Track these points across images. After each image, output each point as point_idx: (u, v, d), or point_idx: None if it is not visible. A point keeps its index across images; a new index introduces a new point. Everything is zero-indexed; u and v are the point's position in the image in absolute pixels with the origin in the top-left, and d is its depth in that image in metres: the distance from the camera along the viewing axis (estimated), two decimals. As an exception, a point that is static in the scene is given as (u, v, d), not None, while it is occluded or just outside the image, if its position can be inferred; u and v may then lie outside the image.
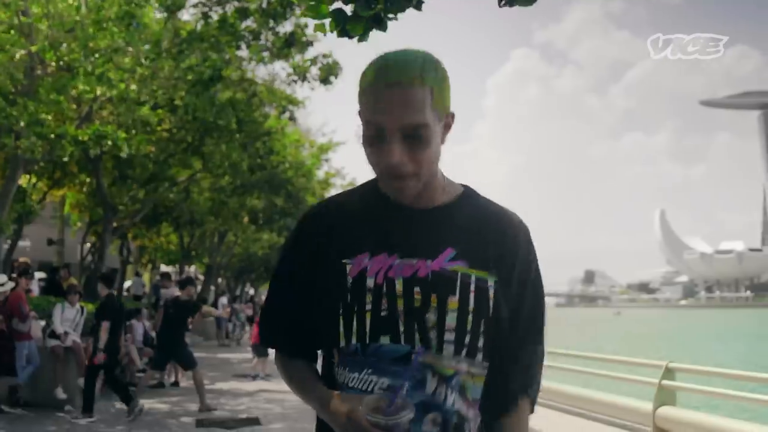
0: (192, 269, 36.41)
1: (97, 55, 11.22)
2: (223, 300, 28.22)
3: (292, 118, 18.37)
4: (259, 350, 15.77)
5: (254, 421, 9.68)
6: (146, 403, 10.81)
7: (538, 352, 1.58)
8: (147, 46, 12.74)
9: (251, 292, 58.50)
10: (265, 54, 13.09)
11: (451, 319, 1.46)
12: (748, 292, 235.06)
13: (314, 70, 11.82)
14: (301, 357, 1.62)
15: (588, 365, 8.08)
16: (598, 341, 37.36)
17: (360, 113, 1.48)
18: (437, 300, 1.46)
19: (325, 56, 11.43)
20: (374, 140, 1.45)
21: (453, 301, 1.47)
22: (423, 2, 4.34)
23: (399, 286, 1.47)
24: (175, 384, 13.32)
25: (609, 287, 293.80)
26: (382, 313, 1.46)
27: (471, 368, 1.47)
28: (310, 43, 11.14)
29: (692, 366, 6.34)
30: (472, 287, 1.48)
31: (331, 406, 1.44)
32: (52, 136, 12.11)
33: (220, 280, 39.89)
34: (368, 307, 1.47)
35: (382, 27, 4.34)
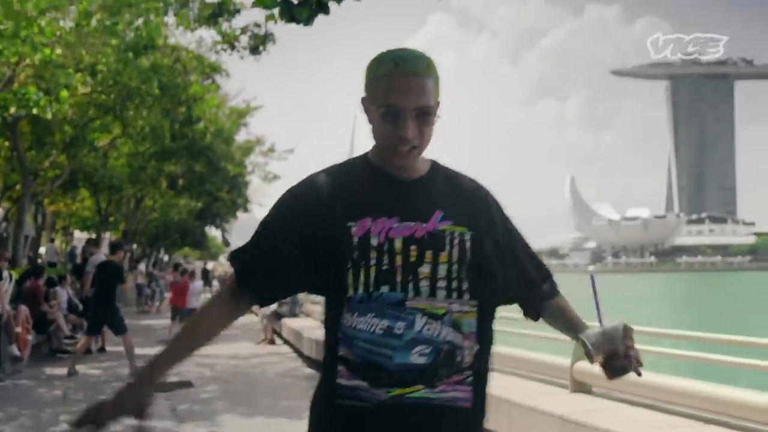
0: (107, 235, 35.86)
1: (21, 18, 11.05)
2: (141, 266, 28.02)
3: (215, 83, 18.35)
4: (176, 314, 15.99)
5: (187, 384, 9.88)
6: (78, 369, 10.93)
7: (549, 268, 2.10)
8: (73, 9, 12.58)
9: (165, 258, 57.87)
10: (193, 21, 13.10)
11: (442, 270, 1.80)
12: (653, 258, 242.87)
13: (244, 39, 11.88)
14: (245, 304, 1.91)
15: (515, 326, 8.58)
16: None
17: (369, 97, 1.84)
18: (432, 255, 1.80)
19: (256, 25, 11.52)
20: (389, 117, 1.79)
21: (443, 255, 1.81)
22: None
23: (398, 245, 1.79)
24: (102, 350, 13.36)
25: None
26: (384, 267, 1.78)
27: (461, 307, 1.80)
28: (237, 11, 11.18)
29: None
30: (456, 242, 1.83)
31: (127, 387, 1.87)
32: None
33: (135, 246, 39.38)
34: (372, 262, 1.78)
35: (326, 11, 4.64)
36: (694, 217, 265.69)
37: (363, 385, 1.75)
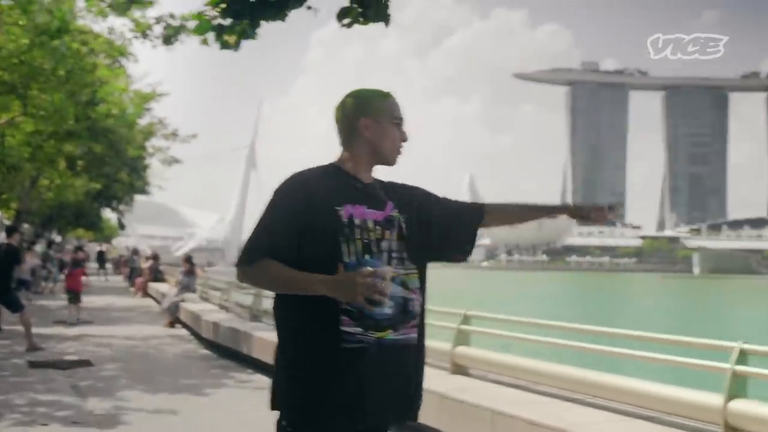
0: (-1, 214, 34.90)
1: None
2: (37, 247, 27.54)
3: (121, 67, 18.32)
4: (72, 296, 16.02)
5: (86, 363, 10.15)
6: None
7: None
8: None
9: (58, 239, 56.42)
10: (105, 7, 13.20)
11: (394, 244, 2.49)
12: (544, 256, 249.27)
13: (158, 29, 12.10)
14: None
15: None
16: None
17: (378, 116, 2.59)
18: (389, 234, 2.50)
19: (171, 17, 11.72)
20: (399, 127, 2.62)
21: (395, 234, 2.51)
22: (287, 15, 5.21)
23: (371, 225, 2.47)
24: (-2, 329, 13.41)
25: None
26: (365, 241, 2.43)
27: (407, 270, 2.49)
28: (151, 3, 11.45)
29: (483, 313, 7.69)
30: (399, 224, 2.54)
31: (336, 276, 2.31)
32: None
33: (27, 226, 38.40)
34: (357, 236, 2.42)
35: (253, 37, 5.20)
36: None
37: (359, 331, 2.35)
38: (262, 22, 5.30)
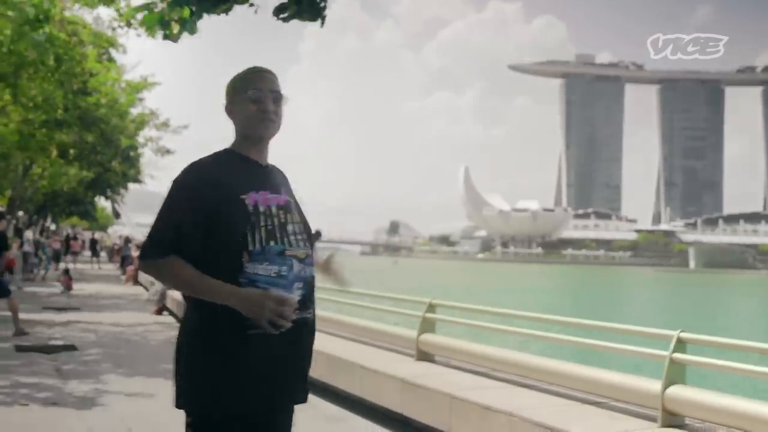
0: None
1: None
2: (29, 234, 27.74)
3: (111, 60, 18.50)
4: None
5: (71, 348, 10.40)
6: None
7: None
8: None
9: (53, 227, 56.65)
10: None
11: (297, 227, 2.57)
12: (540, 249, 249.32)
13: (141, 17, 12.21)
14: (188, 262, 2.50)
15: (375, 302, 9.54)
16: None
17: (232, 96, 2.63)
18: (291, 218, 2.56)
19: (152, 4, 11.82)
20: (252, 100, 2.57)
21: (296, 216, 2.60)
22: (231, 9, 5.46)
23: (274, 210, 2.51)
24: (-14, 314, 13.65)
25: (413, 238, 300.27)
26: (269, 227, 2.47)
27: (308, 251, 2.57)
28: (136, -7, 11.56)
29: (448, 302, 7.97)
30: (295, 206, 2.65)
31: (247, 292, 2.37)
32: None
33: (21, 213, 38.60)
34: (262, 223, 2.46)
35: (192, 31, 5.47)
36: (580, 212, 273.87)
37: None
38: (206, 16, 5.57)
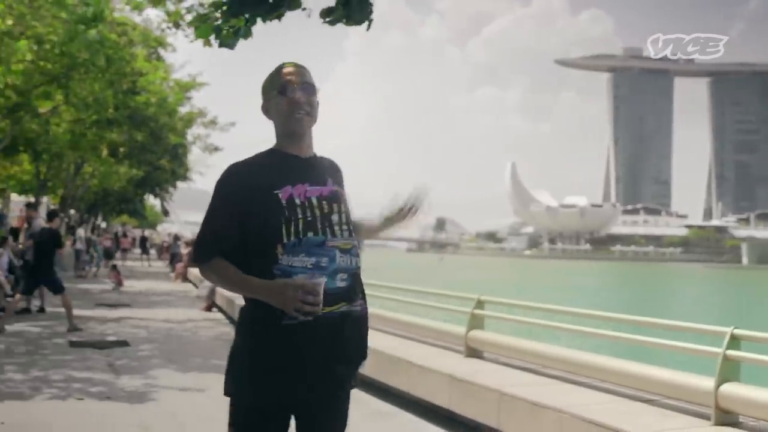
0: (45, 200, 35.88)
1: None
2: (80, 232, 28.26)
3: (159, 59, 18.75)
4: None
5: (124, 343, 10.59)
6: (18, 327, 11.60)
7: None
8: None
9: (103, 225, 57.62)
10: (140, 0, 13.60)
11: (343, 217, 2.60)
12: (588, 245, 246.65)
13: (190, 18, 12.36)
14: (232, 263, 2.58)
15: (424, 299, 9.56)
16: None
17: (266, 95, 2.67)
18: (337, 208, 2.58)
19: (201, 5, 11.94)
20: (283, 95, 2.60)
21: (342, 207, 2.60)
22: (284, 15, 5.49)
23: (315, 202, 2.53)
24: (41, 310, 13.96)
25: (459, 235, 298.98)
26: (308, 219, 2.49)
27: (354, 242, 2.59)
28: (185, -6, 11.72)
29: (497, 299, 7.93)
30: (342, 197, 2.65)
31: (271, 283, 2.42)
32: None
33: (72, 211, 39.38)
34: (299, 215, 2.48)
35: (247, 36, 5.52)
36: (629, 207, 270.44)
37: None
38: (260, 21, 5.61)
